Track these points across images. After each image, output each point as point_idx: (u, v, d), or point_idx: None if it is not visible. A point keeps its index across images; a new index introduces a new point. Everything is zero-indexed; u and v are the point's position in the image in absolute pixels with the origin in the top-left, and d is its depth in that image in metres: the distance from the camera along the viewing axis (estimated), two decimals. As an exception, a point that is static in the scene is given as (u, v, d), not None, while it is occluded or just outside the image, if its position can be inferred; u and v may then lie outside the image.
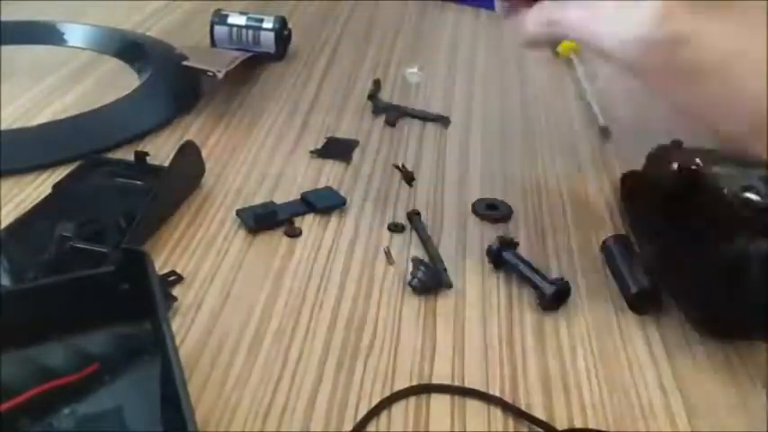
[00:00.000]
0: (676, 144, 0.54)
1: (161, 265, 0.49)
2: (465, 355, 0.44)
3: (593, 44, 0.41)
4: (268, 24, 0.78)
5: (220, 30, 0.78)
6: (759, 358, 0.44)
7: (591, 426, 0.40)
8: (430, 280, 0.47)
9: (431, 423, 0.39)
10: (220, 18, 0.79)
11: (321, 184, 0.58)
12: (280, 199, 0.56)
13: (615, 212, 0.57)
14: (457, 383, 0.42)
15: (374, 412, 0.39)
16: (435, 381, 0.42)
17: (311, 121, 0.68)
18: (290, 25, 0.80)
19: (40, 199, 0.53)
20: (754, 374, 0.43)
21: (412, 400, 0.41)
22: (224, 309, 0.46)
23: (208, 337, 0.44)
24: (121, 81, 0.73)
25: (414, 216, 0.54)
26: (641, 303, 0.47)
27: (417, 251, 0.52)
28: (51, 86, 0.72)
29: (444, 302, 0.47)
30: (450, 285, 0.48)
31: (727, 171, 0.48)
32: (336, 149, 0.63)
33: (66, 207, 0.52)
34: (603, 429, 0.39)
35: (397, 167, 0.61)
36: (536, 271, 0.48)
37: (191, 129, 0.65)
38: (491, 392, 0.41)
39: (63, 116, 0.65)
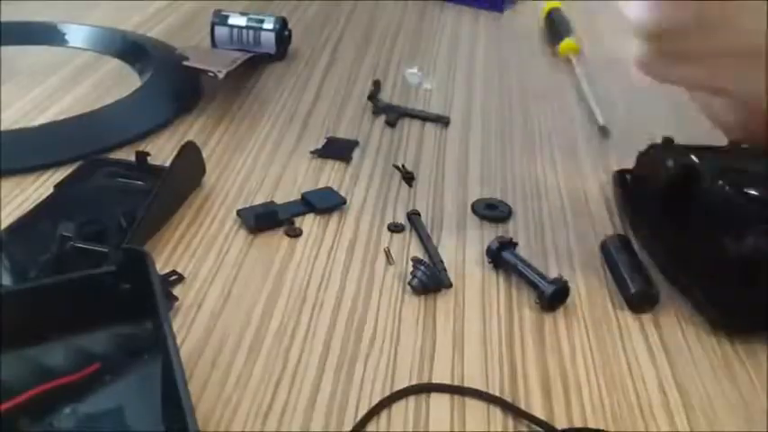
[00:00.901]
0: (668, 141, 0.54)
1: (162, 264, 0.49)
2: (465, 354, 0.44)
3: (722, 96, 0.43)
4: (268, 25, 0.78)
5: (221, 30, 0.78)
6: (759, 358, 0.45)
7: (590, 425, 0.40)
8: (430, 280, 0.48)
9: (431, 423, 0.39)
10: (221, 19, 0.79)
11: (321, 184, 0.58)
12: (280, 199, 0.56)
13: (615, 212, 0.57)
14: (457, 383, 0.42)
15: (374, 412, 0.39)
16: (435, 381, 0.42)
17: (311, 122, 0.68)
18: (290, 26, 0.80)
19: (41, 199, 0.53)
20: (754, 374, 0.43)
21: (412, 400, 0.41)
22: (224, 309, 0.46)
23: (208, 336, 0.44)
24: (122, 82, 0.73)
25: (414, 216, 0.55)
26: (641, 303, 0.47)
27: (417, 251, 0.52)
28: (52, 87, 0.72)
29: (444, 302, 0.47)
30: (450, 285, 0.49)
31: (723, 165, 0.48)
32: (336, 149, 0.63)
33: (68, 207, 0.52)
34: (603, 429, 0.40)
35: (397, 167, 0.61)
36: (535, 271, 0.48)
37: (191, 129, 0.66)
38: (491, 392, 0.41)
39: (64, 117, 0.66)
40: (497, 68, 0.81)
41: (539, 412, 0.40)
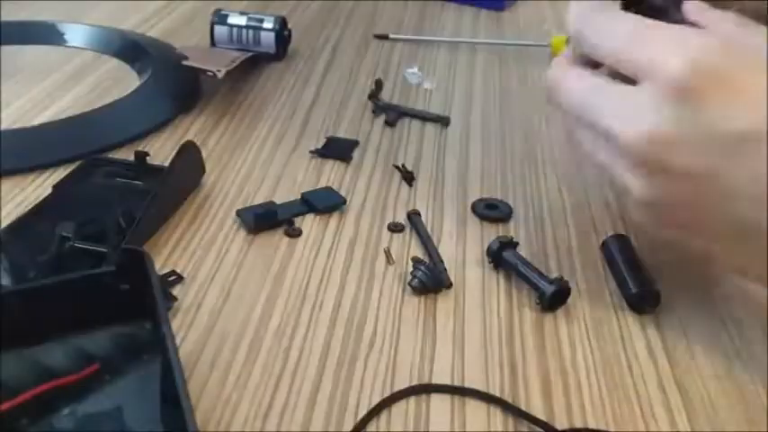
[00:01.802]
0: None
1: (161, 264, 0.49)
2: (465, 355, 0.44)
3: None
4: (268, 24, 0.78)
5: (220, 30, 0.78)
6: (759, 358, 0.44)
7: (591, 426, 0.40)
8: (430, 280, 0.47)
9: (431, 423, 0.39)
10: (220, 18, 0.79)
11: (321, 184, 0.58)
12: (280, 199, 0.56)
13: (615, 212, 0.57)
14: (457, 383, 0.42)
15: (374, 412, 0.39)
16: (435, 381, 0.42)
17: (311, 121, 0.68)
18: (290, 25, 0.80)
19: (40, 199, 0.53)
20: (754, 374, 0.43)
21: (412, 400, 0.41)
22: (224, 309, 0.46)
23: (208, 336, 0.44)
24: (121, 81, 0.73)
25: (414, 216, 0.55)
26: (641, 303, 0.47)
27: (417, 251, 0.52)
28: (51, 86, 0.72)
29: (444, 302, 0.47)
30: (450, 285, 0.48)
31: None
32: (336, 149, 0.63)
33: (67, 207, 0.52)
34: (603, 429, 0.39)
35: (397, 167, 0.61)
36: (536, 271, 0.48)
37: (191, 129, 0.66)
38: (491, 392, 0.41)
39: (63, 116, 0.66)
40: (498, 68, 0.81)
41: (539, 413, 0.40)
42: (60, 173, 0.57)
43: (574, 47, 0.46)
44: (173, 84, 0.71)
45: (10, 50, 0.78)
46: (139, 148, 0.58)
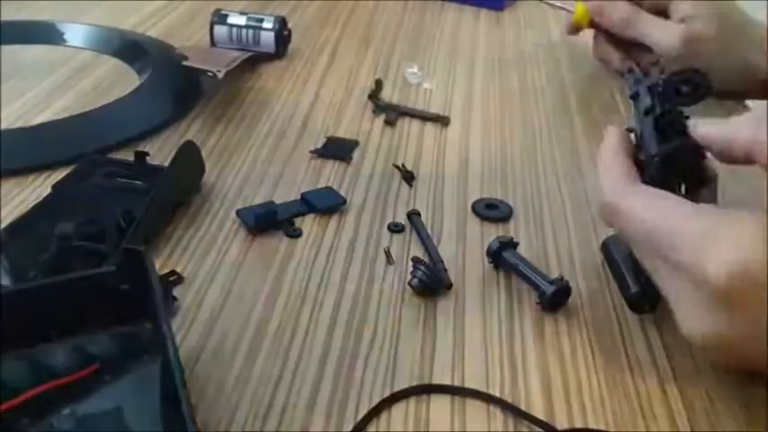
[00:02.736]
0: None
1: (161, 265, 0.49)
2: (465, 355, 0.44)
3: None
4: (268, 24, 0.78)
5: (220, 29, 0.78)
6: (759, 358, 0.44)
7: (591, 426, 0.40)
8: (430, 280, 0.47)
9: (431, 423, 0.39)
10: (220, 18, 0.79)
11: (321, 184, 0.58)
12: (280, 199, 0.56)
13: (615, 212, 0.57)
14: (457, 383, 0.42)
15: (374, 412, 0.39)
16: (435, 381, 0.42)
17: (311, 121, 0.68)
18: (290, 25, 0.80)
19: (40, 199, 0.53)
20: (754, 375, 0.43)
21: (412, 400, 0.41)
22: (224, 309, 0.46)
23: (208, 337, 0.44)
24: (121, 81, 0.73)
25: (414, 216, 0.54)
26: (641, 303, 0.47)
27: (417, 251, 0.52)
28: (51, 86, 0.72)
29: (444, 302, 0.47)
30: (450, 285, 0.48)
31: None
32: (336, 149, 0.63)
33: (67, 207, 0.52)
34: (603, 429, 0.39)
35: (397, 167, 0.61)
36: (536, 271, 0.48)
37: (190, 129, 0.65)
38: (491, 393, 0.41)
39: (63, 116, 0.66)
40: (498, 68, 0.81)
41: (539, 413, 0.40)
42: (60, 173, 0.57)
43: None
44: (173, 84, 0.71)
45: (10, 50, 0.78)
46: (139, 148, 0.58)
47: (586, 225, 0.55)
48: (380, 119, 0.69)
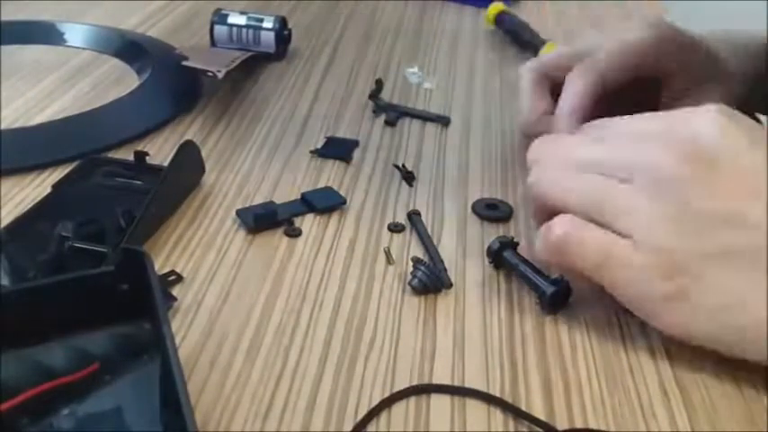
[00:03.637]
0: None
1: (161, 264, 0.49)
2: (465, 355, 0.44)
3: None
4: (268, 24, 0.78)
5: (220, 29, 0.78)
6: (759, 358, 0.44)
7: (592, 426, 0.40)
8: (430, 280, 0.47)
9: (431, 423, 0.39)
10: (220, 18, 0.79)
11: (321, 184, 0.58)
12: (280, 199, 0.56)
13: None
14: (457, 383, 0.42)
15: (374, 412, 0.39)
16: (435, 381, 0.42)
17: (311, 121, 0.68)
18: (290, 25, 0.80)
19: (39, 199, 0.53)
20: (754, 375, 0.43)
21: (412, 400, 0.41)
22: (224, 309, 0.46)
23: (207, 336, 0.44)
24: (121, 81, 0.73)
25: (414, 216, 0.54)
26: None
27: (417, 251, 0.52)
28: (51, 86, 0.72)
29: (444, 302, 0.47)
30: (450, 285, 0.48)
31: None
32: (336, 149, 0.63)
33: (66, 207, 0.52)
34: (603, 429, 0.39)
35: (397, 167, 0.61)
36: (536, 271, 0.48)
37: (190, 128, 0.65)
38: (491, 393, 0.41)
39: (63, 116, 0.66)
40: (498, 68, 0.81)
41: (539, 413, 0.40)
42: (60, 172, 0.57)
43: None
44: (173, 84, 0.71)
45: (10, 50, 0.78)
46: (139, 148, 0.58)
47: (586, 225, 0.55)
48: (381, 119, 0.69)
